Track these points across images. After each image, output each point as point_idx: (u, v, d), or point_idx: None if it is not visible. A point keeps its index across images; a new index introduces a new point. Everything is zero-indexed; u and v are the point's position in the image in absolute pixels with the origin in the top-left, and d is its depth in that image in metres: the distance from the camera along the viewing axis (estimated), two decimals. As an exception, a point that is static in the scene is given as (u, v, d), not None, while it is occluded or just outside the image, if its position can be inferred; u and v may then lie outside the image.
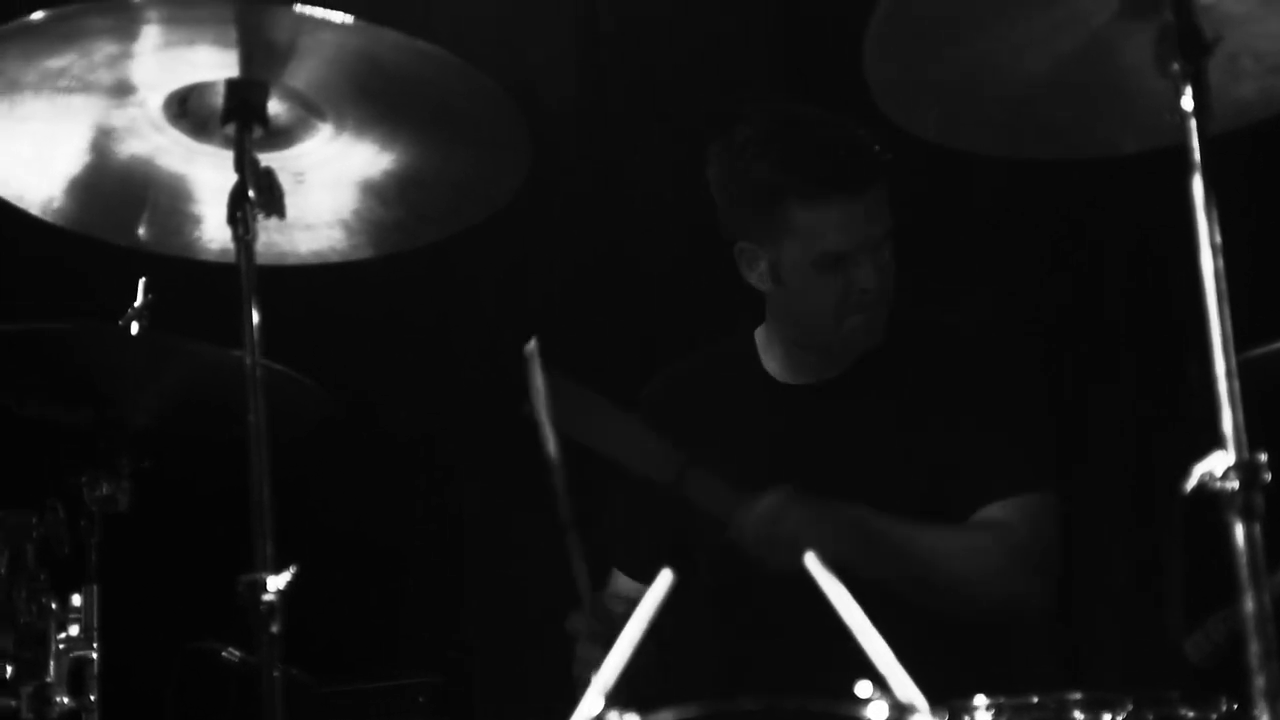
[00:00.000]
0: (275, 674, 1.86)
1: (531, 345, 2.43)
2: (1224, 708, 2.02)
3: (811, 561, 2.02)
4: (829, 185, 2.78)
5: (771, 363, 3.01)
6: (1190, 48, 1.79)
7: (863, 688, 1.73)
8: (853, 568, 2.46)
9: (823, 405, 2.94)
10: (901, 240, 2.87)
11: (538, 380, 2.43)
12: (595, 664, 2.14)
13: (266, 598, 1.88)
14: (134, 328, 2.53)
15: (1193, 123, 1.77)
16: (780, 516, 2.67)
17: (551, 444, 2.41)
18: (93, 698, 2.52)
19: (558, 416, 2.41)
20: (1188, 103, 1.78)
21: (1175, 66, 1.79)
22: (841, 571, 2.31)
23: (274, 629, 1.88)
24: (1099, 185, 3.56)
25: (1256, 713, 1.63)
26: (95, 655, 2.52)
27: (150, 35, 1.97)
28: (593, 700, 1.78)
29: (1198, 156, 1.76)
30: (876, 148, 2.81)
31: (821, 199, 2.79)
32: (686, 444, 2.93)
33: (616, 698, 1.78)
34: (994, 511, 2.81)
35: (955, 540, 2.78)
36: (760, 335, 3.04)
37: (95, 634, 2.53)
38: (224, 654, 3.16)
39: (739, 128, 2.90)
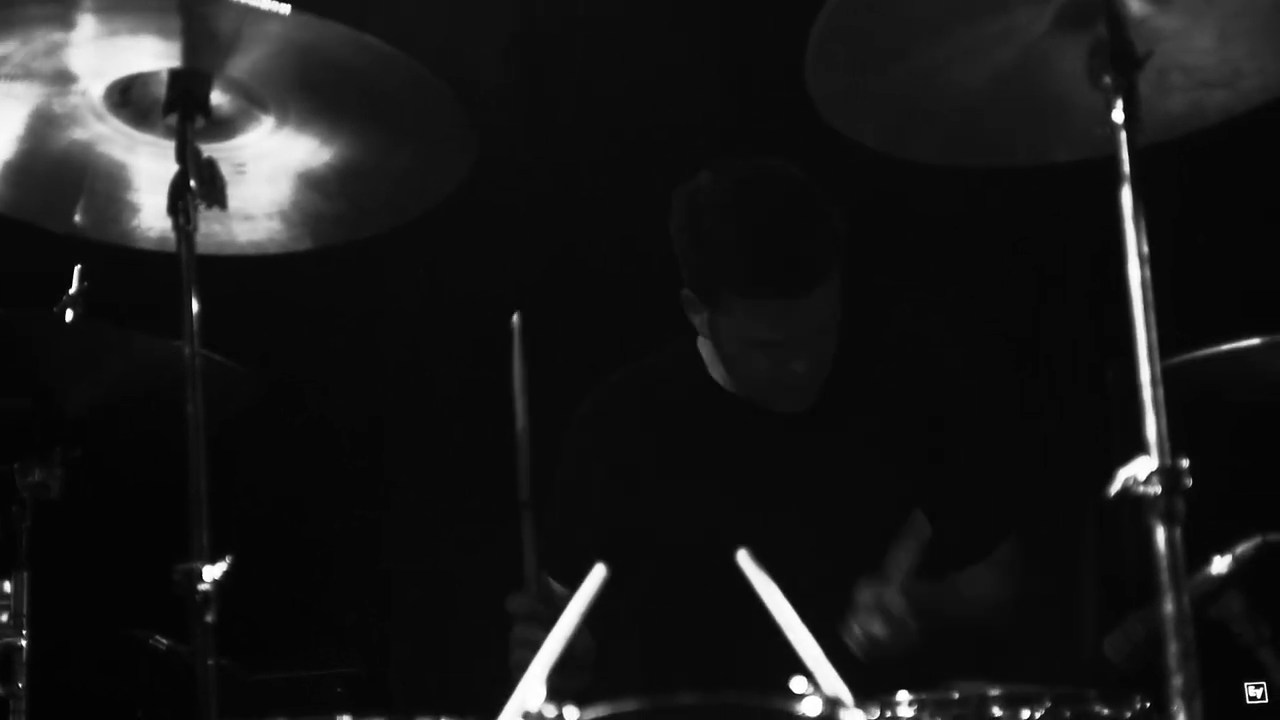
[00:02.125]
0: (210, 662, 1.87)
1: (515, 320, 2.45)
2: (1138, 706, 2.07)
3: (743, 559, 2.05)
4: (768, 288, 2.74)
5: (717, 371, 3.02)
6: (1122, 62, 1.83)
7: (797, 683, 1.76)
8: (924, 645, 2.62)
9: (770, 416, 2.95)
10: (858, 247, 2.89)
11: (518, 354, 2.45)
12: (533, 647, 2.15)
13: (202, 587, 1.89)
14: (69, 315, 2.52)
15: (1123, 135, 1.81)
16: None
17: (521, 419, 2.43)
18: (21, 685, 2.51)
19: None
20: (1118, 115, 1.82)
21: (1107, 80, 1.83)
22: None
23: (209, 618, 1.89)
24: (1062, 193, 3.61)
25: (1173, 711, 1.67)
26: (24, 642, 2.51)
27: (92, 24, 1.96)
28: (528, 693, 1.80)
29: (1127, 168, 1.80)
30: (832, 241, 2.76)
31: (761, 297, 2.75)
32: (633, 454, 2.94)
33: (552, 692, 1.80)
34: (1002, 552, 2.96)
35: (987, 584, 2.95)
36: (704, 344, 3.05)
37: (24, 621, 2.52)
38: (151, 641, 3.15)
39: (701, 186, 2.83)
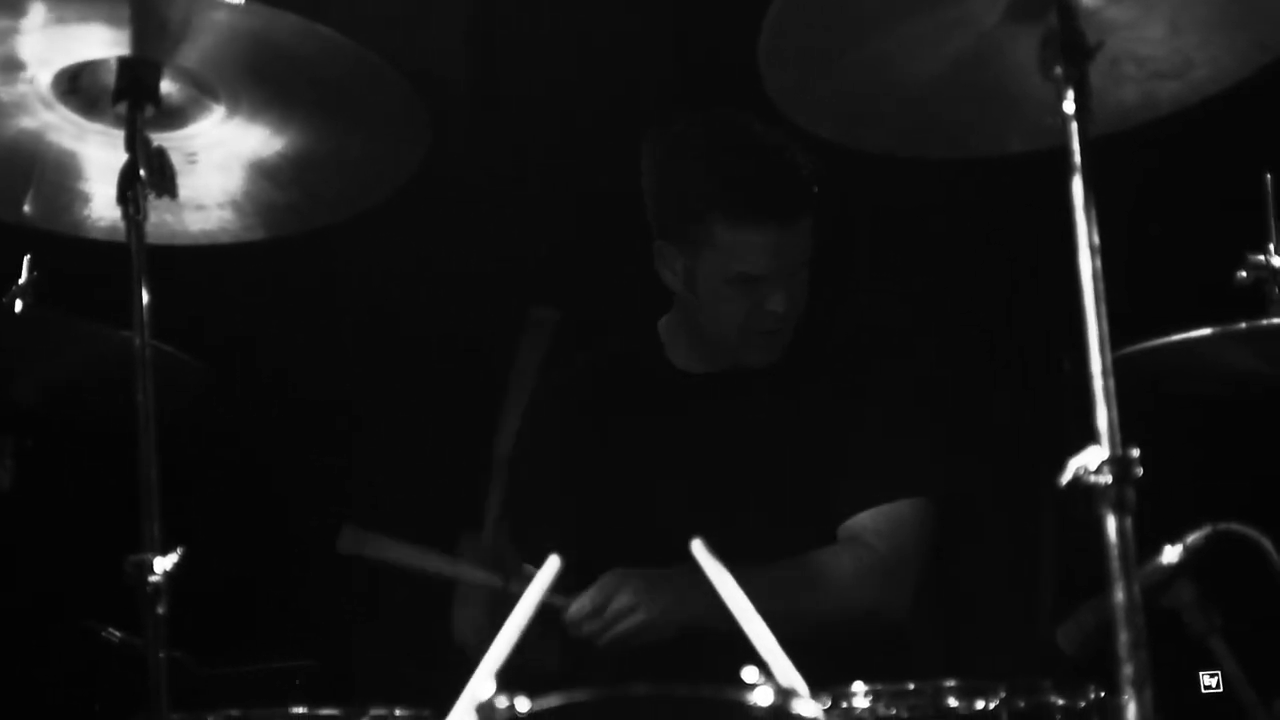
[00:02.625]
0: (161, 655, 1.86)
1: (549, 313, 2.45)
2: (1092, 695, 2.08)
3: (698, 549, 2.05)
4: (756, 210, 2.80)
5: (676, 353, 3.03)
6: (1073, 52, 1.84)
7: (749, 673, 1.76)
8: (700, 624, 2.52)
9: (726, 395, 2.97)
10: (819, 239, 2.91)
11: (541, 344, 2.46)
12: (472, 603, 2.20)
13: (153, 579, 1.88)
14: (18, 305, 2.50)
15: (1074, 125, 1.82)
16: (612, 594, 2.69)
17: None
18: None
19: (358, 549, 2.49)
20: (1069, 106, 1.83)
21: (1058, 70, 1.84)
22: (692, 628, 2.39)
23: (160, 610, 1.88)
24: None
25: (1124, 700, 1.68)
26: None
27: (40, 11, 1.95)
28: (480, 685, 1.80)
29: (1078, 159, 1.81)
30: (809, 177, 2.82)
31: (747, 222, 2.80)
32: (590, 436, 2.94)
33: (505, 681, 1.80)
34: (863, 520, 2.85)
35: (805, 572, 2.82)
36: (665, 326, 3.06)
37: (-26, 613, 2.51)
38: (104, 634, 3.13)
39: (679, 128, 2.90)
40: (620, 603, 2.70)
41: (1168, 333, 2.35)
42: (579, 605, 2.69)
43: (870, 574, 2.83)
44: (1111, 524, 1.71)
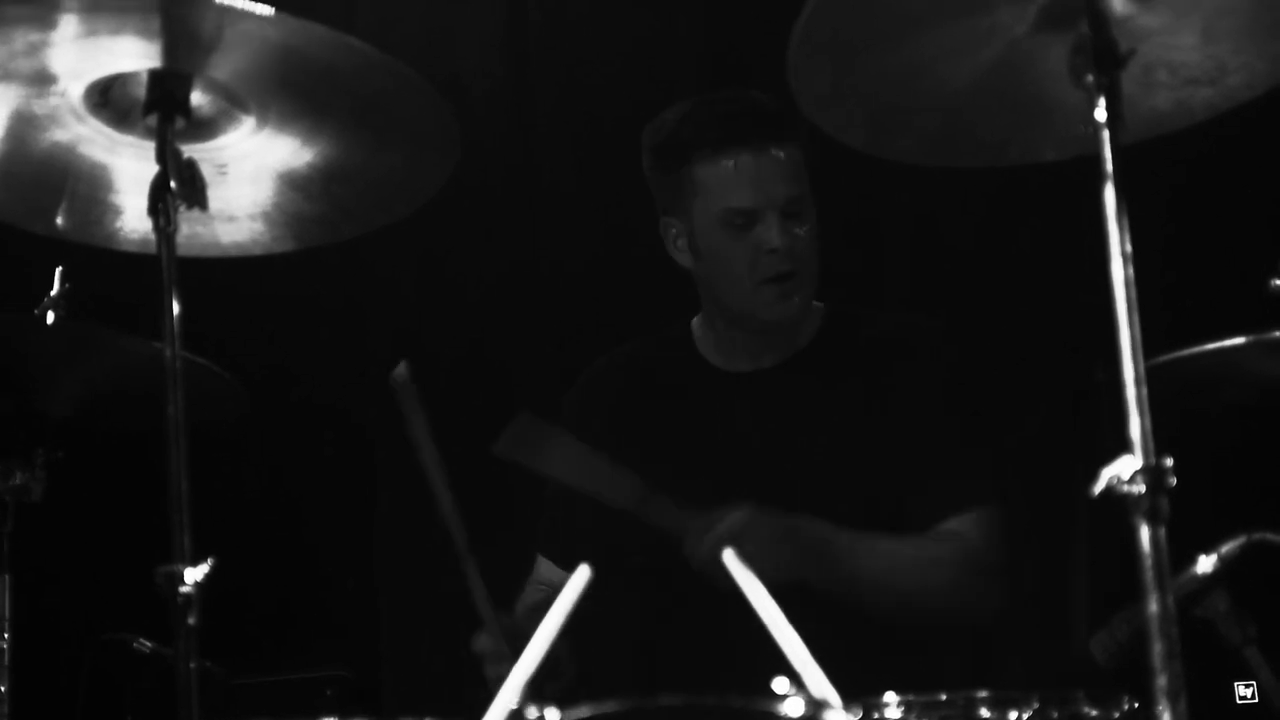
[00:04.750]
0: (192, 665, 1.86)
1: (401, 370, 2.38)
2: (1126, 706, 2.06)
3: (729, 558, 2.04)
4: (727, 139, 2.85)
5: (709, 350, 3.04)
6: (1104, 60, 1.83)
7: (779, 684, 1.75)
8: (810, 584, 2.51)
9: (762, 392, 2.96)
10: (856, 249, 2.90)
11: (413, 406, 2.38)
12: (505, 679, 2.14)
13: (184, 589, 1.88)
14: (50, 317, 2.51)
15: (1106, 133, 1.81)
16: (739, 536, 2.67)
17: (434, 472, 2.38)
18: (3, 688, 2.50)
19: (519, 450, 2.40)
20: (1101, 114, 1.82)
21: (1090, 78, 1.83)
22: (798, 587, 2.37)
23: (191, 620, 1.88)
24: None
25: (1158, 711, 1.67)
26: (7, 645, 2.51)
27: (72, 24, 1.96)
28: (511, 694, 1.79)
29: (1110, 166, 1.80)
30: (783, 111, 2.82)
31: (721, 153, 2.85)
32: (621, 431, 2.94)
33: (535, 692, 1.80)
34: (952, 525, 2.86)
35: (912, 554, 2.82)
36: (696, 324, 3.07)
37: (7, 624, 2.51)
38: (135, 645, 3.14)
39: (666, 110, 2.97)
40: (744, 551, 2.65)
41: (1201, 342, 2.33)
42: (698, 543, 2.64)
43: (971, 569, 2.83)
44: (1145, 534, 1.70)
